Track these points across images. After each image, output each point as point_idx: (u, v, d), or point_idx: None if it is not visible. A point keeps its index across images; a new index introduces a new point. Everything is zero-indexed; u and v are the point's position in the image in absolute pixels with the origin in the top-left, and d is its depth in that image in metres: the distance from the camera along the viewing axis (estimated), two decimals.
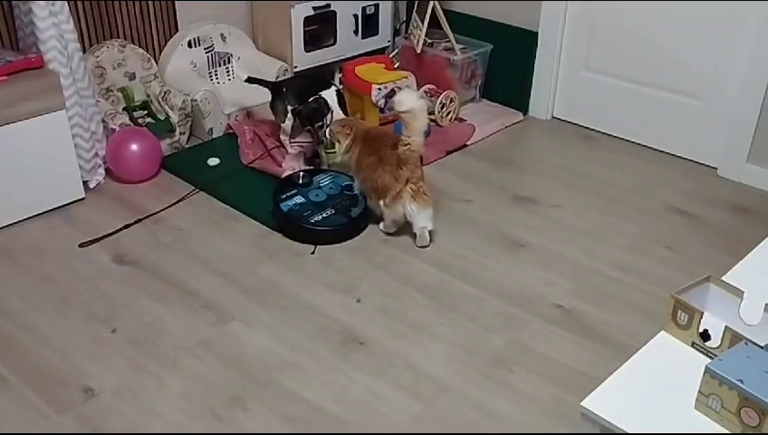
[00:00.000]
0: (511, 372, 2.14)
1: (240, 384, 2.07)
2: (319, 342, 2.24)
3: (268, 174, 3.09)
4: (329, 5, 3.60)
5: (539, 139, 3.62)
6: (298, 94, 3.12)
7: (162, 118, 3.23)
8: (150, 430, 1.92)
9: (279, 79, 3.47)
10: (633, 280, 2.55)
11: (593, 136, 3.61)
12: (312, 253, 2.65)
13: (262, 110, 3.43)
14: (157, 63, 3.35)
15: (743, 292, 1.34)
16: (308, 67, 3.66)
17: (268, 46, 3.67)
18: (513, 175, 3.26)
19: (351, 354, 2.19)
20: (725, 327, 1.27)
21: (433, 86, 3.61)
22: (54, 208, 2.84)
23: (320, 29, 3.64)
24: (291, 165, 3.11)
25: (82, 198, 2.91)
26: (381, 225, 2.77)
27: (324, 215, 2.74)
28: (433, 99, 3.52)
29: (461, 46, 3.68)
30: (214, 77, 3.58)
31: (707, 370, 1.16)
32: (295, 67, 3.61)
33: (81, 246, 2.66)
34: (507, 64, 3.74)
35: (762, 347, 1.20)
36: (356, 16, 3.74)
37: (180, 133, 3.26)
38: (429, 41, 3.76)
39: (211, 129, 3.36)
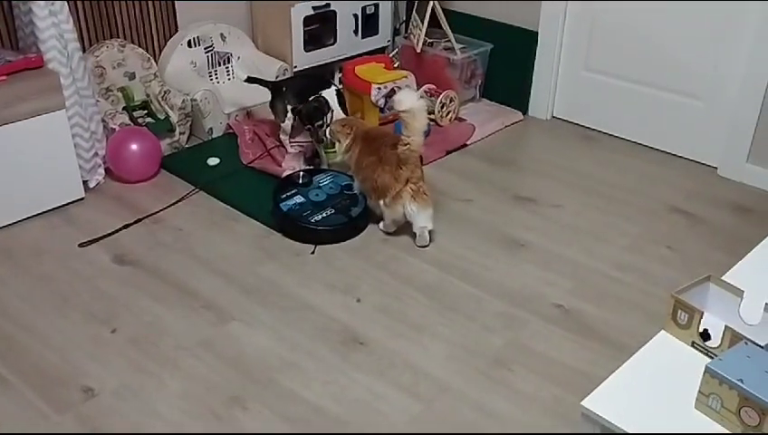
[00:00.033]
0: (511, 372, 2.14)
1: (240, 384, 2.07)
2: (319, 342, 2.24)
3: (268, 174, 3.09)
4: (328, 5, 3.59)
5: (539, 138, 3.62)
6: (298, 94, 3.12)
7: (162, 117, 3.23)
8: (150, 430, 1.92)
9: (279, 79, 3.47)
10: (633, 280, 2.55)
11: (593, 136, 3.61)
12: (312, 253, 2.65)
13: (261, 109, 3.43)
14: (156, 63, 3.35)
15: (743, 291, 1.34)
16: (308, 67, 3.66)
17: (268, 46, 3.67)
18: (513, 175, 3.26)
19: (351, 354, 2.19)
20: (725, 327, 1.27)
21: (433, 86, 3.61)
22: (54, 208, 2.84)
23: (319, 29, 3.64)
24: (291, 165, 3.11)
25: (82, 198, 2.91)
26: (381, 224, 2.77)
27: (324, 214, 2.74)
28: (433, 98, 3.52)
29: (461, 46, 3.68)
30: (213, 77, 3.58)
31: (707, 369, 1.16)
32: (295, 67, 3.61)
33: (80, 245, 2.66)
34: (507, 64, 3.74)
35: (762, 347, 1.20)
36: (356, 16, 3.74)
37: (180, 133, 3.26)
38: (429, 40, 3.76)
39: (211, 128, 3.36)
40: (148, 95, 3.27)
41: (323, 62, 3.73)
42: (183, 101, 3.21)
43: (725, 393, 1.14)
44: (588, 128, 3.66)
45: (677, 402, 1.21)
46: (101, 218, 2.81)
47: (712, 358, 1.26)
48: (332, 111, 3.03)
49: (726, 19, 3.08)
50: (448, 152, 3.39)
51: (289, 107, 3.14)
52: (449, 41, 3.70)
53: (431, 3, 3.61)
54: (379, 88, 3.33)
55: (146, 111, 3.24)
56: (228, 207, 2.92)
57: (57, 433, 1.91)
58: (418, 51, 3.71)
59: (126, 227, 2.76)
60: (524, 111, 3.79)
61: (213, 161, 3.17)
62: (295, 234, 2.72)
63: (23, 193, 2.74)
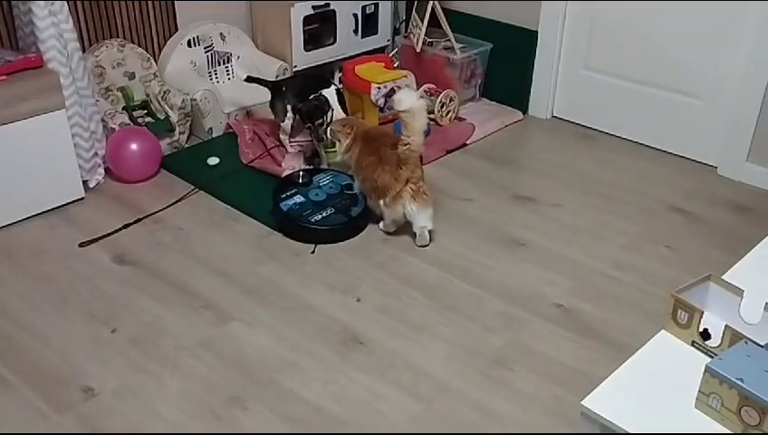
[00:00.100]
0: (511, 372, 2.14)
1: (240, 384, 2.07)
2: (319, 342, 2.24)
3: (268, 173, 3.08)
4: (328, 5, 3.59)
5: (539, 138, 3.62)
6: (298, 93, 3.12)
7: (162, 117, 3.23)
8: (150, 430, 1.92)
9: (278, 78, 3.47)
10: (633, 279, 2.55)
11: (593, 135, 3.61)
12: (312, 252, 2.65)
13: (261, 109, 3.43)
14: (156, 63, 3.35)
15: (743, 291, 1.33)
16: (307, 66, 3.66)
17: (268, 45, 3.67)
18: (513, 174, 3.26)
19: (351, 354, 2.19)
20: (726, 326, 1.27)
21: (433, 85, 3.61)
22: (54, 208, 2.84)
23: (319, 28, 3.63)
24: (290, 164, 3.11)
25: (82, 198, 2.91)
26: (381, 224, 2.77)
27: (324, 214, 2.73)
28: (432, 98, 3.52)
29: (461, 45, 3.68)
30: (213, 76, 3.58)
31: (707, 369, 1.16)
32: (295, 66, 3.61)
33: (80, 245, 2.66)
34: (507, 63, 3.74)
35: (762, 346, 1.20)
36: (355, 15, 3.74)
37: (180, 133, 3.26)
38: (429, 40, 3.76)
39: (211, 128, 3.36)
40: (147, 95, 3.27)
41: (323, 62, 3.73)
42: (183, 100, 3.21)
43: (726, 393, 1.14)
44: (587, 127, 3.66)
45: (677, 402, 1.21)
46: (101, 218, 2.81)
47: (712, 357, 1.26)
48: (332, 109, 3.03)
49: (726, 19, 3.08)
50: (448, 152, 3.39)
51: (289, 106, 3.14)
52: (449, 40, 3.70)
53: (431, 2, 3.61)
54: (379, 87, 3.33)
55: (146, 111, 3.24)
56: (228, 206, 2.92)
57: (57, 433, 1.91)
58: (418, 50, 3.71)
59: (126, 226, 2.76)
60: (524, 110, 3.79)
61: (213, 161, 3.17)
62: (295, 234, 2.72)
63: (23, 193, 2.74)
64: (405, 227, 2.73)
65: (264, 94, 3.25)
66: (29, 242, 2.67)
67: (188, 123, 3.29)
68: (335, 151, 2.97)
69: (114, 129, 3.05)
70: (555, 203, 3.01)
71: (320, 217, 2.72)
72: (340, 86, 3.34)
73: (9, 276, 2.49)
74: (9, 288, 2.44)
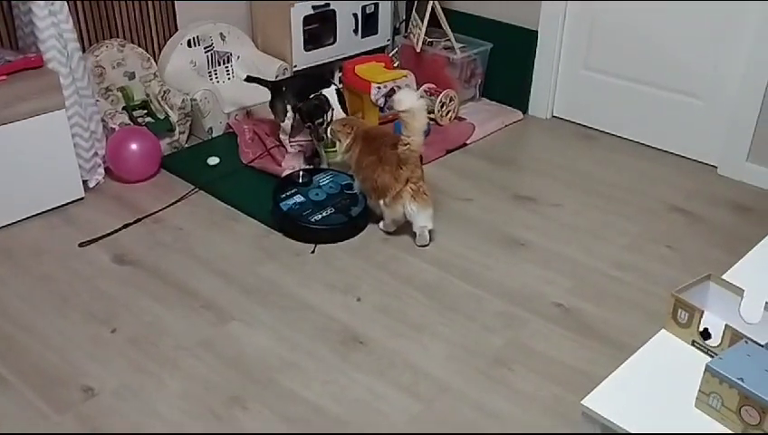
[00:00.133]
0: (511, 372, 2.14)
1: (240, 384, 2.07)
2: (319, 342, 2.24)
3: (268, 173, 3.08)
4: (328, 5, 3.59)
5: (538, 138, 3.62)
6: (297, 93, 3.12)
7: (162, 117, 3.23)
8: (150, 430, 1.92)
9: (278, 78, 3.47)
10: (633, 279, 2.55)
11: (593, 135, 3.61)
12: (312, 252, 2.65)
13: (261, 109, 3.43)
14: (156, 63, 3.35)
15: (743, 290, 1.33)
16: (308, 66, 3.66)
17: (268, 45, 3.67)
18: (513, 174, 3.26)
19: (351, 354, 2.19)
20: (726, 326, 1.27)
21: (433, 85, 3.61)
22: (54, 208, 2.84)
23: (319, 28, 3.63)
24: (290, 164, 3.11)
25: (82, 198, 2.91)
26: (381, 224, 2.77)
27: (324, 214, 2.73)
28: (432, 98, 3.52)
29: (461, 45, 3.68)
30: (213, 76, 3.58)
31: (708, 368, 1.16)
32: (295, 66, 3.61)
33: (80, 245, 2.66)
34: (507, 63, 3.74)
35: (762, 346, 1.20)
36: (355, 15, 3.74)
37: (180, 133, 3.26)
38: (429, 40, 3.76)
39: (211, 128, 3.36)
40: (147, 95, 3.27)
41: (323, 62, 3.73)
42: (183, 100, 3.21)
43: (726, 392, 1.14)
44: (588, 127, 3.66)
45: (678, 401, 1.21)
46: (101, 218, 2.81)
47: (712, 357, 1.26)
48: (333, 109, 3.03)
49: (726, 18, 3.08)
50: (448, 151, 3.39)
51: (289, 106, 3.14)
52: (449, 40, 3.69)
53: (431, 2, 3.61)
54: (379, 87, 3.33)
55: (146, 111, 3.24)
56: (228, 206, 2.91)
57: (57, 433, 1.91)
58: (418, 50, 3.71)
59: (126, 226, 2.76)
60: (524, 110, 3.79)
61: (213, 161, 3.17)
62: (295, 233, 2.72)
63: (22, 193, 2.74)
64: (405, 227, 2.73)
65: (264, 94, 3.25)
66: (29, 242, 2.67)
67: (188, 123, 3.29)
68: (335, 151, 2.97)
69: (114, 129, 3.05)
70: (555, 203, 3.01)
71: (320, 216, 2.72)
72: (340, 86, 3.34)
73: (9, 276, 2.49)
74: (9, 288, 2.44)
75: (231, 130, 3.40)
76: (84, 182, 2.93)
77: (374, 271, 2.57)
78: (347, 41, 3.76)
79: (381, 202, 2.66)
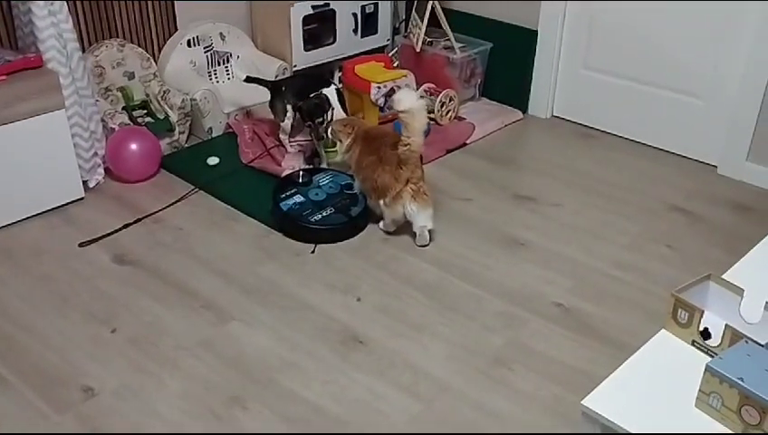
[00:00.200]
0: (511, 372, 2.14)
1: (240, 384, 2.07)
2: (319, 342, 2.24)
3: (268, 173, 3.08)
4: (328, 4, 3.59)
5: (538, 137, 3.62)
6: (297, 93, 3.12)
7: (161, 117, 3.23)
8: (150, 430, 1.92)
9: (278, 78, 3.46)
10: (633, 278, 2.55)
11: (593, 134, 3.61)
12: (312, 252, 2.65)
13: (261, 109, 3.43)
14: (156, 63, 3.35)
15: (743, 290, 1.33)
16: (307, 66, 3.66)
17: (267, 45, 3.67)
18: (513, 173, 3.26)
19: (351, 354, 2.19)
20: (726, 325, 1.27)
21: (432, 85, 3.61)
22: (54, 208, 2.84)
23: (319, 28, 3.63)
24: (290, 164, 3.11)
25: (82, 198, 2.91)
26: (381, 224, 2.77)
27: (324, 214, 2.73)
28: (432, 97, 3.52)
29: (460, 45, 3.68)
30: (213, 76, 3.58)
31: (708, 368, 1.16)
32: (294, 66, 3.61)
33: (80, 245, 2.66)
34: (507, 63, 3.74)
35: (762, 345, 1.20)
36: (355, 15, 3.74)
37: (180, 132, 3.26)
38: (429, 39, 3.76)
39: (210, 128, 3.36)
40: (147, 95, 3.27)
41: (323, 62, 3.73)
42: (182, 100, 3.21)
43: (726, 392, 1.14)
44: (587, 126, 3.66)
45: (678, 401, 1.21)
46: (101, 218, 2.81)
47: (712, 357, 1.26)
48: (333, 108, 3.03)
49: (726, 18, 3.07)
50: (448, 151, 3.39)
51: (289, 106, 3.14)
52: (449, 40, 3.69)
53: (431, 2, 3.61)
54: (379, 87, 3.33)
55: (145, 111, 3.24)
56: (228, 206, 2.91)
57: (57, 433, 1.91)
58: (418, 50, 3.71)
59: (126, 226, 2.76)
60: (524, 109, 3.79)
61: (213, 161, 3.17)
62: (295, 233, 2.72)
63: (22, 193, 2.74)
64: (405, 227, 2.73)
65: (264, 94, 3.25)
66: (29, 242, 2.67)
67: (188, 123, 3.29)
68: (335, 151, 2.97)
69: (114, 129, 3.05)
70: (555, 203, 3.01)
71: (320, 216, 2.72)
72: (340, 86, 3.34)
73: (9, 276, 2.49)
74: (9, 288, 2.44)
75: (231, 130, 3.40)
76: (84, 182, 2.93)
77: (374, 271, 2.57)
78: (347, 41, 3.76)
79: (381, 202, 2.66)
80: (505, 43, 3.70)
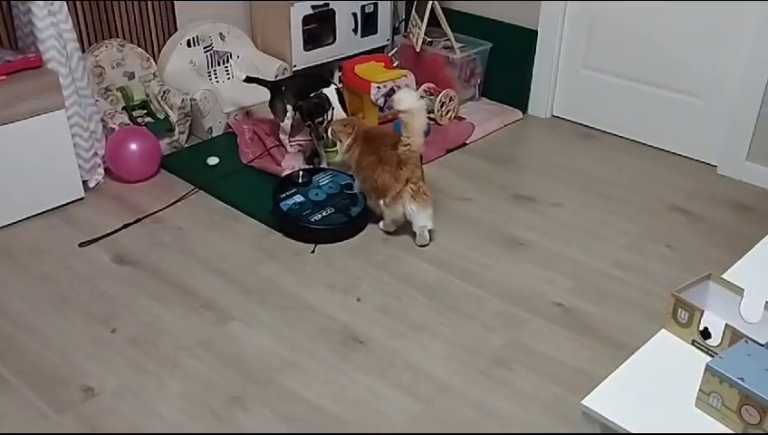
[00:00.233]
0: (511, 371, 2.14)
1: (240, 384, 2.07)
2: (319, 341, 2.24)
3: (268, 173, 3.08)
4: (327, 4, 3.59)
5: (538, 137, 3.62)
6: (297, 93, 3.12)
7: (161, 117, 3.23)
8: (150, 430, 1.92)
9: (278, 78, 3.46)
10: (633, 278, 2.55)
11: (593, 134, 3.61)
12: (312, 252, 2.65)
13: (261, 109, 3.43)
14: (156, 63, 3.35)
15: (743, 290, 1.33)
16: (307, 66, 3.66)
17: (267, 45, 3.67)
18: (513, 173, 3.26)
19: (351, 354, 2.19)
20: (726, 325, 1.27)
21: (432, 85, 3.61)
22: (54, 208, 2.84)
23: (319, 28, 3.63)
24: (290, 164, 3.11)
25: (82, 198, 2.91)
26: (381, 224, 2.77)
27: (324, 214, 2.73)
28: (432, 97, 3.52)
29: (460, 45, 3.68)
30: (213, 76, 3.58)
31: (708, 368, 1.16)
32: (294, 66, 3.61)
33: (80, 245, 2.66)
34: (506, 63, 3.74)
35: (762, 345, 1.20)
36: (355, 15, 3.74)
37: (179, 132, 3.26)
38: (428, 39, 3.76)
39: (210, 128, 3.36)
40: (147, 95, 3.27)
41: (323, 62, 3.73)
42: (182, 100, 3.21)
43: (726, 392, 1.14)
44: (587, 126, 3.66)
45: (678, 401, 1.21)
46: (101, 218, 2.81)
47: (712, 356, 1.26)
48: (333, 108, 3.03)
49: (725, 18, 3.07)
50: (448, 151, 3.39)
51: (289, 105, 3.14)
52: (449, 39, 3.69)
53: (430, 2, 3.61)
54: (379, 87, 3.33)
55: (145, 111, 3.24)
56: (228, 206, 2.91)
57: (57, 433, 1.91)
58: (418, 50, 3.71)
59: (126, 226, 2.76)
60: (524, 109, 3.79)
61: (212, 161, 3.17)
62: (295, 233, 2.72)
63: (22, 193, 2.74)
64: (405, 227, 2.73)
65: (264, 94, 3.25)
66: (29, 242, 2.67)
67: (188, 123, 3.29)
68: (335, 151, 2.97)
69: (114, 129, 3.05)
70: (555, 202, 3.01)
71: (319, 216, 2.72)
72: (340, 85, 3.34)
73: (9, 276, 2.49)
74: (9, 288, 2.44)
75: (231, 130, 3.40)
76: (84, 182, 2.93)
77: (374, 271, 2.56)
78: (346, 40, 3.76)
79: (381, 202, 2.66)
80: (505, 43, 3.70)
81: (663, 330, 1.38)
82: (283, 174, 3.00)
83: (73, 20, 2.85)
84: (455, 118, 3.62)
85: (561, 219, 2.90)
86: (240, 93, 3.50)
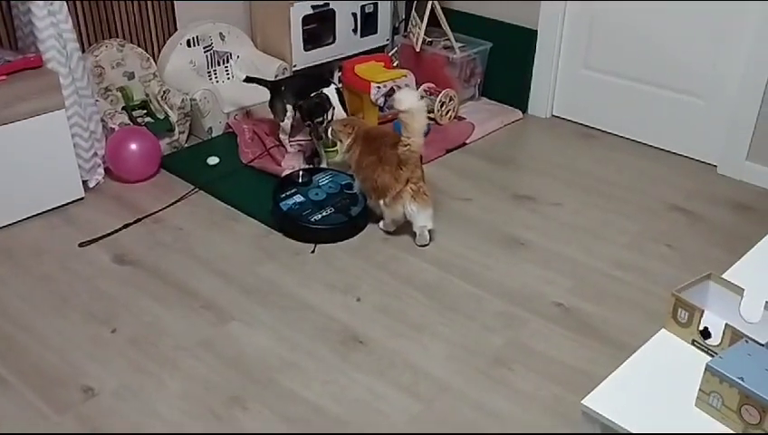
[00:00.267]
0: (511, 371, 2.13)
1: (240, 384, 2.07)
2: (319, 341, 2.24)
3: (268, 173, 3.08)
4: (327, 4, 3.59)
5: (538, 137, 3.62)
6: (297, 93, 3.12)
7: (161, 117, 3.23)
8: (150, 430, 1.92)
9: (278, 78, 3.46)
10: (633, 278, 2.55)
11: (592, 134, 3.61)
12: (312, 252, 2.65)
13: (261, 109, 3.43)
14: (156, 63, 3.35)
15: (743, 289, 1.33)
16: (307, 66, 3.66)
17: (267, 45, 3.67)
18: (513, 173, 3.26)
19: (351, 354, 2.19)
20: (726, 325, 1.27)
21: (432, 84, 3.61)
22: (54, 208, 2.84)
23: (319, 28, 3.63)
24: (290, 164, 3.11)
25: (82, 198, 2.91)
26: (381, 224, 2.77)
27: (324, 214, 2.73)
28: (432, 97, 3.52)
29: (460, 44, 3.68)
30: (213, 76, 3.58)
31: (708, 368, 1.16)
32: (294, 66, 3.61)
33: (80, 245, 2.66)
34: (506, 63, 3.74)
35: (762, 345, 1.20)
36: (355, 15, 3.74)
37: (179, 132, 3.26)
38: (428, 39, 3.76)
39: (210, 128, 3.36)
40: (147, 95, 3.27)
41: (322, 62, 3.73)
42: (182, 100, 3.21)
43: (726, 391, 1.14)
44: (587, 126, 3.66)
45: (678, 401, 1.21)
46: (101, 218, 2.81)
47: (712, 356, 1.26)
48: (333, 108, 3.03)
49: (725, 17, 3.07)
50: (448, 151, 3.39)
51: (289, 105, 3.14)
52: (448, 39, 3.69)
53: (430, 1, 3.61)
54: (379, 87, 3.32)
55: (145, 111, 3.24)
56: (228, 206, 2.91)
57: (57, 433, 1.91)
58: (418, 49, 3.71)
59: (126, 226, 2.76)
60: (524, 109, 3.79)
61: (212, 161, 3.17)
62: (295, 233, 2.72)
63: (22, 193, 2.74)
64: (405, 227, 2.73)
65: (264, 94, 3.25)
66: (29, 242, 2.67)
67: (188, 123, 3.29)
68: (335, 151, 2.97)
69: (114, 129, 3.05)
70: (555, 202, 3.01)
71: (319, 216, 2.72)
72: (340, 85, 3.34)
73: (9, 276, 2.49)
74: (9, 288, 2.44)
75: (231, 130, 3.40)
76: (84, 182, 2.93)
77: (374, 271, 2.56)
78: (346, 40, 3.76)
79: (381, 202, 2.66)
80: (505, 43, 3.70)
81: (663, 330, 1.38)
82: (283, 174, 3.00)
83: (73, 20, 2.85)
84: (455, 118, 3.62)
85: (561, 219, 2.90)
86: (240, 93, 3.50)
